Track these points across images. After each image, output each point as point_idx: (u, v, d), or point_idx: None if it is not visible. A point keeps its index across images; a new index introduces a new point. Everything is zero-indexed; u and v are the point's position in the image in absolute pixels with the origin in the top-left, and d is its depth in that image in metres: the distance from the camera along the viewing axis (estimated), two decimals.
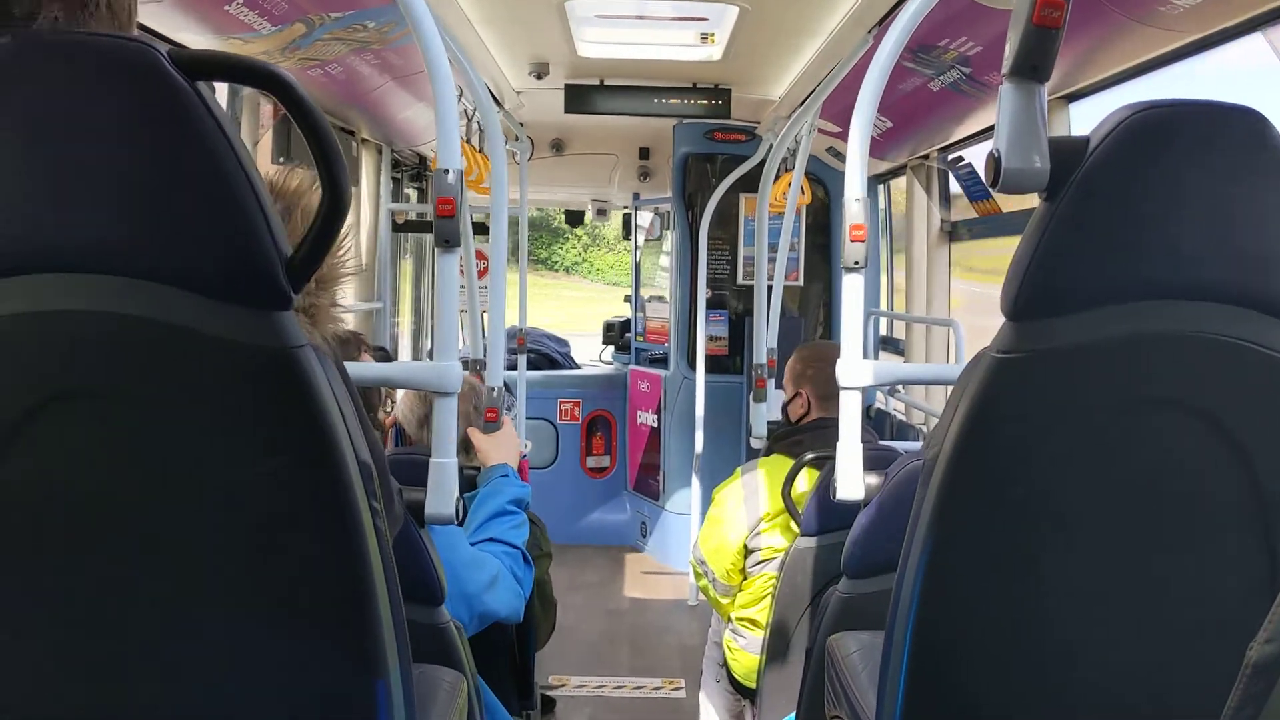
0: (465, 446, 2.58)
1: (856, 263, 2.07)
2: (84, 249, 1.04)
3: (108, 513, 1.07)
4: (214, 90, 1.08)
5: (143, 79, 1.03)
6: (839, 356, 3.06)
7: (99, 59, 1.04)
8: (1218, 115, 1.26)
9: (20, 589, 1.08)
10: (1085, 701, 1.32)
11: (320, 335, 1.40)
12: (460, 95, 3.88)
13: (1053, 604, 1.30)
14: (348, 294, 1.62)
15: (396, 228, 5.34)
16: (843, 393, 2.03)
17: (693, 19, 4.81)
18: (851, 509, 2.21)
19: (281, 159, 4.08)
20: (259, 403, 1.07)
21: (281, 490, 1.08)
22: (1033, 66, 1.29)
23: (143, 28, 2.60)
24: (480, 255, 5.25)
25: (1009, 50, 1.30)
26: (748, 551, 3.04)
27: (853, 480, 2.06)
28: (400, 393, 2.74)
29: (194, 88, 1.04)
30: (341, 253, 1.49)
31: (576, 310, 19.97)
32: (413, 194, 6.09)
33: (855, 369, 2.02)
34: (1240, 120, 1.26)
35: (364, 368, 2.00)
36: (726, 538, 3.06)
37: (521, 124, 5.80)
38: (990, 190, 4.46)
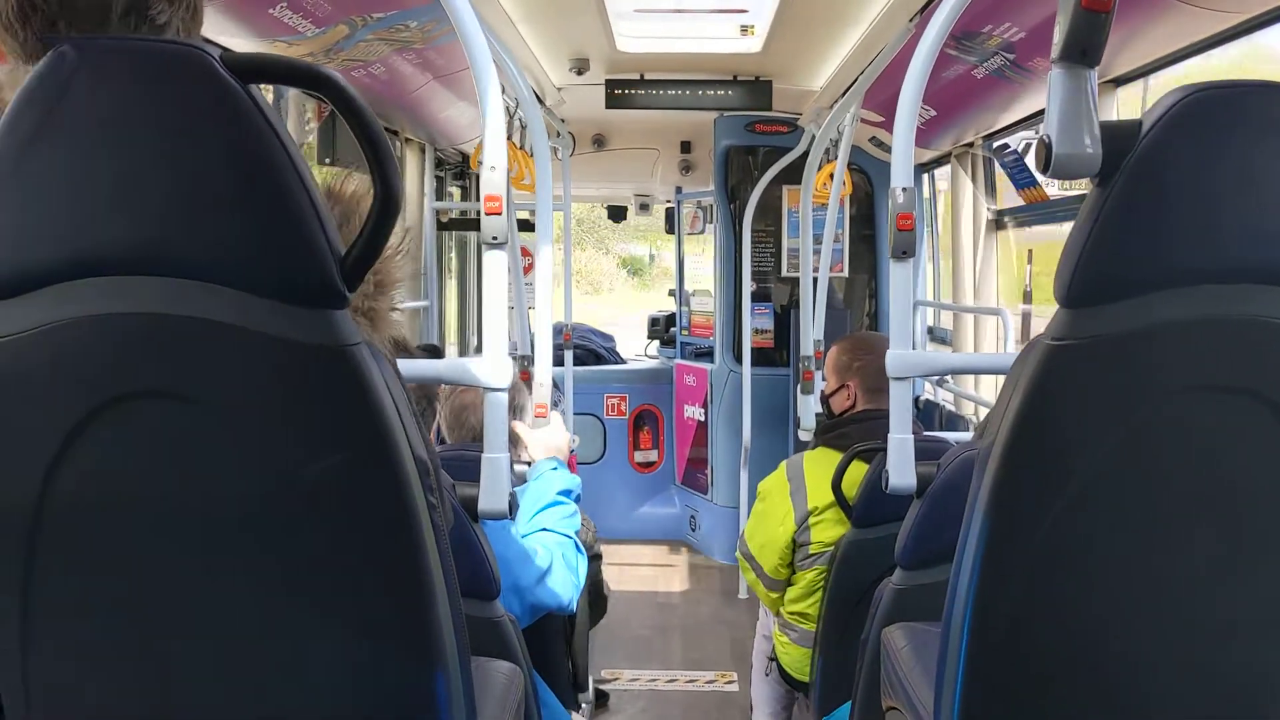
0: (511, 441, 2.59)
1: (904, 252, 2.06)
2: (142, 252, 1.05)
3: (169, 512, 1.09)
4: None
5: (197, 83, 1.05)
6: (888, 348, 3.05)
7: (154, 64, 1.06)
8: (1272, 96, 1.24)
9: (83, 587, 1.10)
10: (1145, 693, 1.31)
11: (380, 338, 1.42)
12: (502, 93, 3.90)
13: (1111, 592, 1.29)
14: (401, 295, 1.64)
15: (441, 226, 5.37)
16: (892, 383, 2.02)
17: (732, 10, 4.80)
18: (903, 501, 2.20)
19: (327, 159, 4.11)
20: (317, 400, 1.09)
21: (341, 487, 1.09)
22: (1082, 51, 1.28)
23: None
24: (525, 252, 5.27)
25: (1057, 34, 1.29)
26: (796, 546, 3.03)
27: (905, 471, 2.05)
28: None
29: (246, 90, 1.05)
30: (399, 256, 1.50)
31: None
32: (456, 192, 6.12)
33: (905, 359, 2.01)
34: None
35: (415, 364, 2.01)
36: (774, 533, 3.04)
37: (563, 120, 5.81)
38: (1036, 177, 4.43)
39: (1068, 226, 1.30)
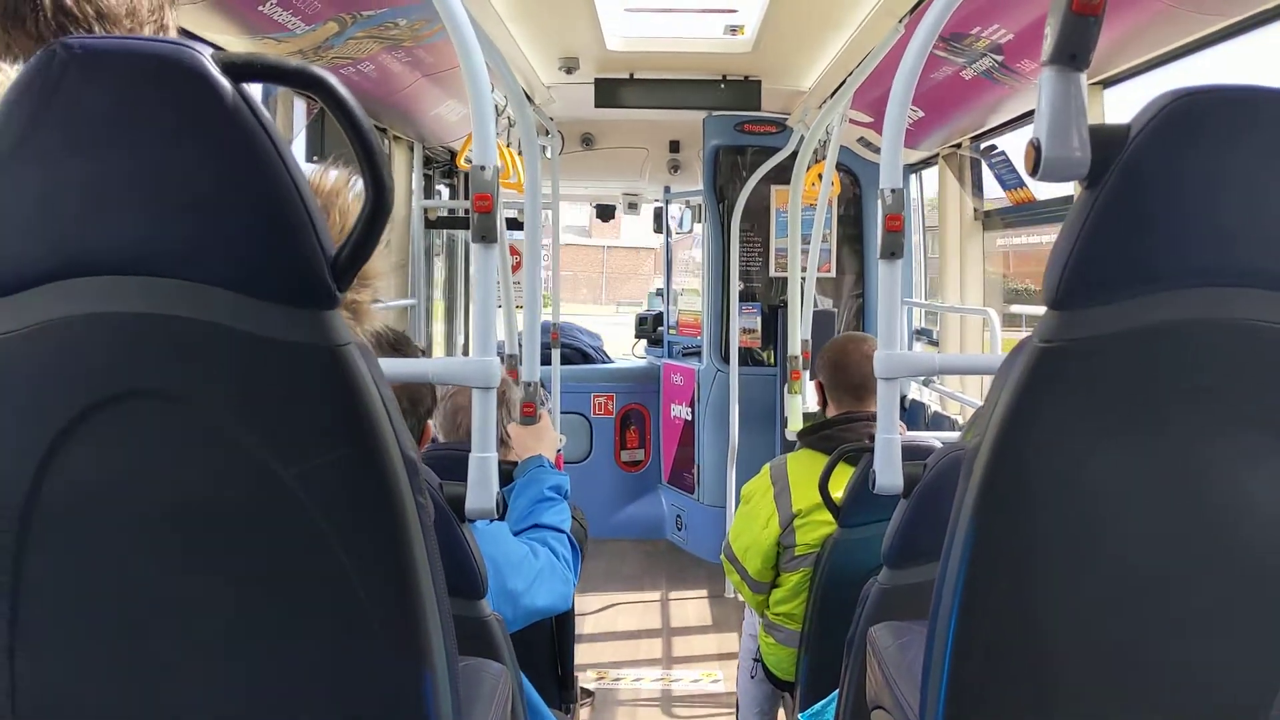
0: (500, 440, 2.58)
1: (893, 253, 2.07)
2: (132, 252, 1.05)
3: (160, 513, 1.08)
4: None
5: (187, 83, 1.04)
6: (860, 348, 3.08)
7: (143, 63, 1.05)
8: (1261, 100, 1.25)
9: (71, 591, 1.10)
10: (1133, 694, 1.31)
11: (363, 332, 1.41)
12: (492, 91, 3.90)
13: (1097, 592, 1.29)
14: (385, 291, 1.65)
15: (429, 224, 5.37)
16: (880, 383, 2.02)
17: (721, 10, 4.82)
18: (889, 501, 2.20)
19: (315, 158, 4.11)
20: (308, 401, 1.09)
21: (330, 487, 1.09)
22: (1071, 54, 1.29)
23: (180, 30, 2.63)
24: (513, 250, 5.27)
25: (1048, 38, 1.29)
26: (781, 549, 3.03)
27: (892, 471, 2.06)
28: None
29: (238, 90, 1.05)
30: (383, 247, 1.50)
31: None
32: (444, 190, 6.12)
33: (893, 360, 2.01)
34: None
35: (402, 364, 2.01)
36: (759, 536, 3.04)
37: (552, 119, 5.81)
38: (1024, 179, 4.44)
39: (1055, 228, 1.31)
